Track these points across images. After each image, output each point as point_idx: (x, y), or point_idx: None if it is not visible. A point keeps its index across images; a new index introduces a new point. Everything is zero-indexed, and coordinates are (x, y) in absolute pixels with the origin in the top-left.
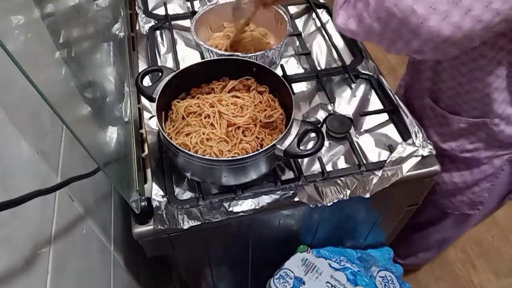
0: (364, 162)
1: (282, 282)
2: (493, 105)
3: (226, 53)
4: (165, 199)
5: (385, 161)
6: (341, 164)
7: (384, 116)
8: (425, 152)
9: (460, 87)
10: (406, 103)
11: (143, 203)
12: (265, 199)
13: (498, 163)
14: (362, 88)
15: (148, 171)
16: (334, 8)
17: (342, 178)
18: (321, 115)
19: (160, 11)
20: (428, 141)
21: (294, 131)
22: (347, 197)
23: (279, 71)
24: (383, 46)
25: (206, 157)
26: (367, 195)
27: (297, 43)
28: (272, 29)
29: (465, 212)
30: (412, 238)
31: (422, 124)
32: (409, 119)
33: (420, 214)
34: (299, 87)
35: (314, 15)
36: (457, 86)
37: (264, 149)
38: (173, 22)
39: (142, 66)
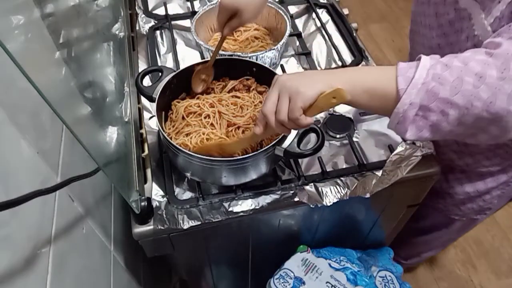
0: (364, 162)
1: (282, 282)
2: None
3: (226, 53)
4: (165, 199)
5: (385, 161)
6: (341, 164)
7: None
8: (425, 152)
9: None
10: None
11: (143, 203)
12: (265, 199)
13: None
14: None
15: (148, 171)
16: (399, 125)
17: (342, 178)
18: (321, 115)
19: (160, 11)
20: (428, 141)
21: (294, 131)
22: (347, 197)
23: (279, 71)
24: (460, 139)
25: (206, 157)
26: (367, 195)
27: (297, 43)
28: (272, 29)
29: (473, 217)
30: (417, 241)
31: (436, 143)
32: None
33: (425, 219)
34: None
35: (314, 15)
36: None
37: (264, 149)
38: (173, 22)
39: (142, 66)
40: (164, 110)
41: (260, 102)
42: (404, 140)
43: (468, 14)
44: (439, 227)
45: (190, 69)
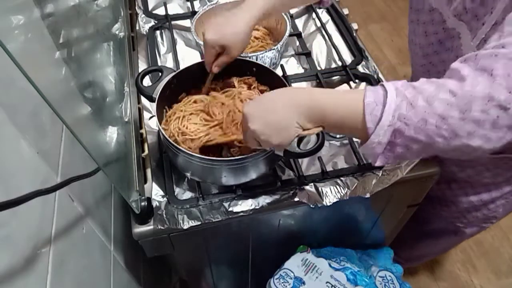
0: (364, 162)
1: (282, 282)
2: None
3: None
4: (165, 199)
5: None
6: (341, 164)
7: None
8: None
9: None
10: None
11: (143, 203)
12: (265, 199)
13: None
14: (362, 87)
15: (148, 171)
16: (369, 156)
17: (342, 178)
18: None
19: (160, 11)
20: None
21: None
22: (347, 197)
23: (279, 71)
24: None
25: (206, 157)
26: (367, 195)
27: (297, 43)
28: (272, 29)
29: (478, 225)
30: (420, 244)
31: (436, 156)
32: None
33: (429, 224)
34: None
35: (314, 15)
36: None
37: (264, 149)
38: (173, 22)
39: (142, 66)
40: (164, 110)
41: None
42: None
43: (457, 33)
44: (443, 234)
45: (190, 69)
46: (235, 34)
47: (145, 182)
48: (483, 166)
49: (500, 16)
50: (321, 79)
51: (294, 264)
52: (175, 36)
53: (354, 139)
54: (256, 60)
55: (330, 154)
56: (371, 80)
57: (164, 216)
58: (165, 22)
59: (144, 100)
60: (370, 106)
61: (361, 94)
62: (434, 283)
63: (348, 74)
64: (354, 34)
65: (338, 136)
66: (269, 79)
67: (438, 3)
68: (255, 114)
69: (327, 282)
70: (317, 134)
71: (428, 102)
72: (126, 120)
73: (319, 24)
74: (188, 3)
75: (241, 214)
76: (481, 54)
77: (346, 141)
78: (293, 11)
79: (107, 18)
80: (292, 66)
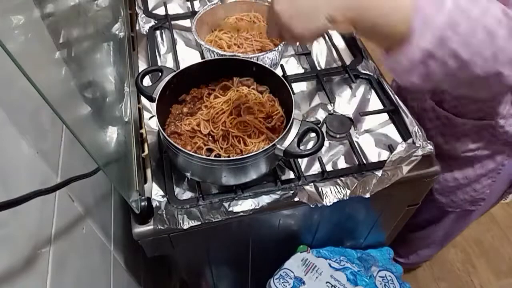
0: (364, 162)
1: (282, 282)
2: (498, 106)
3: (227, 53)
4: (165, 199)
5: (385, 161)
6: (341, 164)
7: (384, 116)
8: (425, 152)
9: None
10: (404, 102)
11: (143, 203)
12: (265, 199)
13: (499, 158)
14: (362, 88)
15: (148, 171)
16: (398, 65)
17: (342, 178)
18: (321, 115)
19: (160, 11)
20: (428, 141)
21: (294, 131)
22: (347, 197)
23: (279, 71)
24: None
25: (206, 157)
26: (367, 195)
27: (297, 43)
28: None
29: (467, 208)
30: (412, 237)
31: (423, 125)
32: (409, 119)
33: (420, 214)
34: (299, 87)
35: None
36: None
37: (264, 149)
38: (173, 22)
39: (142, 66)
40: (164, 110)
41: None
42: (420, 127)
43: None
44: (434, 221)
45: (190, 69)
46: None
47: (145, 182)
48: (468, 136)
49: None
50: (321, 79)
51: (294, 264)
52: (175, 36)
53: (354, 139)
54: (257, 60)
55: (330, 154)
56: (371, 80)
57: (164, 216)
58: (165, 22)
59: (144, 100)
60: (422, 5)
61: None
62: (434, 283)
63: (348, 74)
64: (354, 34)
65: (338, 136)
66: (269, 79)
67: None
68: (280, 6)
69: (327, 282)
70: (317, 134)
71: (483, 13)
72: (126, 120)
73: None
74: (188, 3)
75: (241, 214)
76: None
77: (346, 141)
78: None
79: (107, 18)
80: (292, 66)
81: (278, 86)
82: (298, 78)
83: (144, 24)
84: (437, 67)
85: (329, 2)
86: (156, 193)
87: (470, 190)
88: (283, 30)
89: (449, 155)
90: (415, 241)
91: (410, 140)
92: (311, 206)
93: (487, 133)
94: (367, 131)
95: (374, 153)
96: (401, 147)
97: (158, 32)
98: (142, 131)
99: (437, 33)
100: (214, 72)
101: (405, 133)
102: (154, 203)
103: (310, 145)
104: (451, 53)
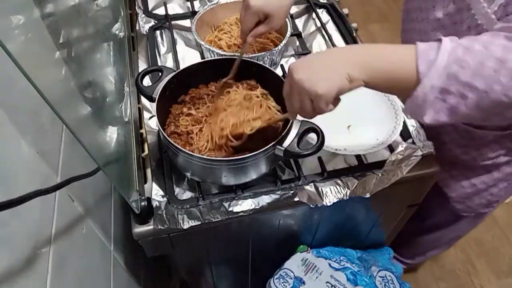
0: (364, 162)
1: (282, 282)
2: None
3: (227, 53)
4: (165, 199)
5: (385, 161)
6: (341, 164)
7: None
8: (425, 152)
9: None
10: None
11: (143, 203)
12: (265, 199)
13: None
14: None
15: (148, 171)
16: (418, 108)
17: (342, 178)
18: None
19: (160, 11)
20: (428, 141)
21: (294, 131)
22: (347, 197)
23: (279, 71)
24: (474, 121)
25: (206, 157)
26: (367, 195)
27: (297, 43)
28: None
29: (481, 211)
30: (423, 240)
31: (440, 140)
32: (409, 119)
33: (433, 218)
34: None
35: (314, 15)
36: None
37: (264, 149)
38: (173, 22)
39: (142, 66)
40: (164, 110)
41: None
42: (421, 125)
43: (466, 4)
44: (446, 225)
45: (190, 69)
46: (280, 3)
47: (145, 182)
48: (488, 147)
49: None
50: None
51: (294, 264)
52: (175, 36)
53: None
54: (257, 60)
55: (330, 154)
56: None
57: (164, 216)
58: (165, 22)
59: (144, 100)
60: (424, 51)
61: (413, 45)
62: (434, 283)
63: None
64: (354, 34)
65: None
66: (269, 79)
67: None
68: (300, 65)
69: (327, 282)
70: (317, 134)
71: (485, 47)
72: (126, 120)
73: (319, 24)
74: (188, 3)
75: (241, 214)
76: None
77: None
78: (293, 11)
79: (107, 18)
80: None
81: (278, 86)
82: None
83: (144, 24)
84: (457, 100)
85: (349, 65)
86: (156, 193)
87: (486, 194)
88: (308, 95)
89: (467, 165)
90: (425, 243)
91: (410, 140)
92: (311, 206)
93: (508, 141)
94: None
95: (374, 153)
96: (401, 147)
97: (158, 32)
98: (142, 131)
99: (442, 70)
100: (214, 72)
101: (405, 133)
102: (154, 203)
103: (310, 145)
104: (466, 85)
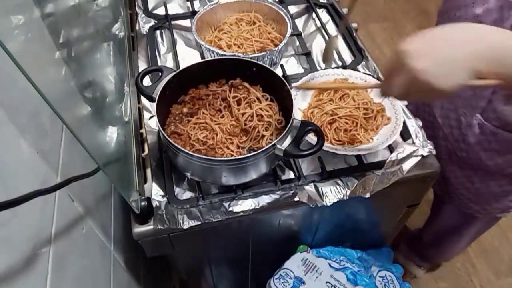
0: (364, 162)
1: (282, 282)
2: None
3: (227, 53)
4: (165, 199)
5: (385, 161)
6: (341, 164)
7: None
8: (425, 152)
9: None
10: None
11: (143, 203)
12: (265, 199)
13: None
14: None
15: (148, 171)
16: None
17: (342, 178)
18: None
19: (160, 11)
20: (428, 141)
21: (294, 131)
22: (347, 197)
23: (279, 71)
24: None
25: (206, 157)
26: (367, 195)
27: (297, 43)
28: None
29: (497, 216)
30: (446, 243)
31: (467, 141)
32: (409, 119)
33: (451, 220)
34: None
35: (314, 15)
36: None
37: (264, 149)
38: (173, 22)
39: (142, 66)
40: (164, 109)
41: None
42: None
43: (508, 3)
44: (465, 226)
45: (190, 69)
46: None
47: (145, 182)
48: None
49: None
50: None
51: (294, 264)
52: (175, 36)
53: None
54: (257, 60)
55: (330, 154)
56: None
57: (164, 216)
58: (165, 22)
59: (144, 100)
60: None
61: None
62: (434, 283)
63: None
64: (354, 34)
65: None
66: (269, 79)
67: None
68: (421, 51)
69: (327, 282)
70: (317, 134)
71: None
72: (126, 120)
73: (319, 24)
74: (188, 3)
75: (241, 214)
76: None
77: None
78: (293, 11)
79: (107, 18)
80: (292, 66)
81: (278, 86)
82: (298, 78)
83: (144, 24)
84: None
85: (477, 55)
86: (156, 193)
87: (506, 200)
88: (421, 88)
89: (488, 170)
90: (447, 245)
91: (410, 140)
92: (311, 206)
93: None
94: None
95: (374, 153)
96: (401, 147)
97: (158, 32)
98: (142, 131)
99: None
100: (214, 72)
101: (405, 133)
102: (154, 203)
103: (310, 145)
104: None
